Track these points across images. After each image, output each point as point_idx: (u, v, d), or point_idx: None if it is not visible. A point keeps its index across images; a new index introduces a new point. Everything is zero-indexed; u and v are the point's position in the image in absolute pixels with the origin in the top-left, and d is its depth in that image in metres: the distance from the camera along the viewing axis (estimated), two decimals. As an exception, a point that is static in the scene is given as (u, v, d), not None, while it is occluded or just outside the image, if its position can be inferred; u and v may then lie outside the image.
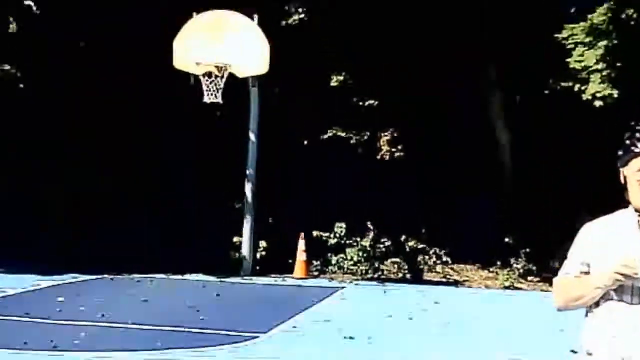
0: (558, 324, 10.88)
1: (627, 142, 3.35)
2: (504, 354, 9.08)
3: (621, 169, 3.38)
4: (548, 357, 9.14)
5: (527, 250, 15.44)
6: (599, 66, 14.08)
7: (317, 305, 12.05)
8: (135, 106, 16.22)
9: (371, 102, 16.72)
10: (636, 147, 3.29)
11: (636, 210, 3.33)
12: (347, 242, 15.90)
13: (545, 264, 15.40)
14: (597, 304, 3.32)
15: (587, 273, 3.39)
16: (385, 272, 15.87)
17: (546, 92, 15.22)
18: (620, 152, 3.39)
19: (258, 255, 15.73)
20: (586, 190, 15.70)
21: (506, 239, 15.71)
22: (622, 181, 3.38)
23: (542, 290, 14.98)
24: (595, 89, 14.01)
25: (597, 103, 14.03)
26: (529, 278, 15.56)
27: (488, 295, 14.26)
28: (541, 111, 15.83)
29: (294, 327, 10.24)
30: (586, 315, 3.39)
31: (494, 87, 16.47)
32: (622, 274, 3.17)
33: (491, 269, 15.99)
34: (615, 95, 13.86)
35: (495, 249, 15.69)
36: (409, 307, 12.04)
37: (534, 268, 15.41)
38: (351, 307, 12.26)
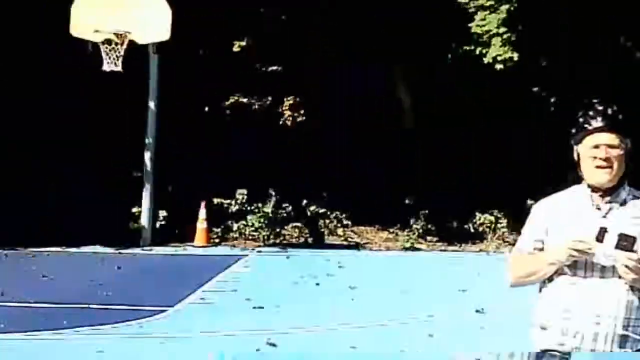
0: (459, 284, 11.25)
1: (581, 119, 3.39)
2: (410, 314, 9.23)
3: (575, 147, 3.41)
4: (454, 316, 9.31)
5: (426, 211, 15.69)
6: (500, 30, 14.31)
7: (222, 275, 11.95)
8: (28, 74, 15.54)
9: (274, 68, 16.57)
10: (589, 124, 3.33)
11: (589, 187, 3.37)
12: (249, 208, 15.82)
13: (443, 224, 15.77)
14: (550, 280, 3.36)
15: (541, 249, 3.43)
16: (287, 237, 15.91)
17: (449, 55, 15.37)
18: (573, 130, 3.42)
19: (158, 225, 15.47)
20: (484, 152, 16.11)
21: (406, 201, 15.92)
22: (576, 158, 3.42)
23: (441, 250, 15.36)
24: (497, 52, 14.28)
25: (498, 66, 14.31)
26: (428, 238, 15.86)
27: (390, 257, 14.47)
28: (444, 75, 16.00)
29: (202, 298, 10.14)
30: (540, 290, 3.43)
31: (397, 53, 16.51)
32: (576, 250, 3.21)
33: (391, 230, 16.21)
34: (516, 59, 14.13)
35: (394, 210, 15.89)
36: (314, 272, 12.07)
37: (433, 228, 15.69)
38: (256, 275, 12.24)
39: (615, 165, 3.28)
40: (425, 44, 15.93)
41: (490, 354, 4.67)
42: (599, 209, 3.34)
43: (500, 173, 16.08)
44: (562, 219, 3.39)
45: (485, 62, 14.53)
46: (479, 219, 16.03)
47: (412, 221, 15.81)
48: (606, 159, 3.27)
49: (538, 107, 16.51)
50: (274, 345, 7.84)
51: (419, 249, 15.34)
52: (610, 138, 3.28)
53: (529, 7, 14.17)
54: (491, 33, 14.41)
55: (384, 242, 15.99)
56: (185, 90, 16.33)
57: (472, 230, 15.97)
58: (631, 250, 3.12)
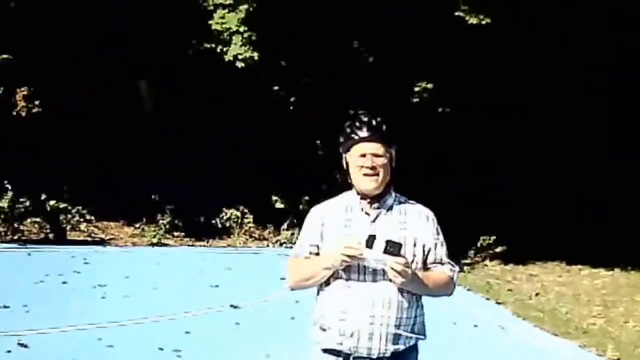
0: (211, 280, 11.28)
1: (348, 130, 3.56)
2: (165, 311, 9.11)
3: (344, 155, 3.56)
4: (210, 311, 9.32)
5: (173, 206, 15.53)
6: (241, 29, 14.47)
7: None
8: None
9: (5, 56, 15.60)
10: (356, 134, 3.52)
11: (358, 193, 3.51)
12: (-18, 203, 14.77)
13: (190, 219, 15.71)
14: (327, 283, 3.51)
15: (317, 254, 3.53)
16: (25, 233, 15.04)
17: (190, 52, 15.28)
18: (341, 139, 3.60)
19: None
20: (230, 149, 16.27)
21: (152, 196, 15.67)
22: (345, 166, 3.57)
23: (188, 245, 15.29)
24: (237, 51, 14.45)
25: (239, 64, 14.47)
26: (175, 233, 15.71)
27: (137, 253, 14.16)
28: (186, 71, 15.90)
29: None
30: (318, 293, 3.54)
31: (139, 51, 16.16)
32: (347, 256, 3.32)
33: (137, 225, 15.87)
34: (256, 58, 14.36)
35: (140, 205, 15.59)
36: (59, 269, 11.51)
37: (180, 223, 15.56)
38: (-4, 273, 11.41)
39: (381, 173, 3.50)
40: (166, 41, 15.79)
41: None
42: (368, 214, 3.52)
43: (246, 169, 16.34)
44: (335, 224, 3.57)
45: (227, 60, 14.64)
46: (226, 214, 16.14)
47: (158, 216, 15.57)
48: (372, 167, 3.47)
49: (279, 106, 16.91)
50: (25, 346, 7.42)
51: (166, 245, 15.15)
52: (376, 147, 3.49)
53: (268, 7, 14.41)
54: (231, 31, 14.53)
55: (130, 237, 15.62)
56: None
57: (219, 226, 16.03)
58: (398, 255, 3.30)
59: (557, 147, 16.27)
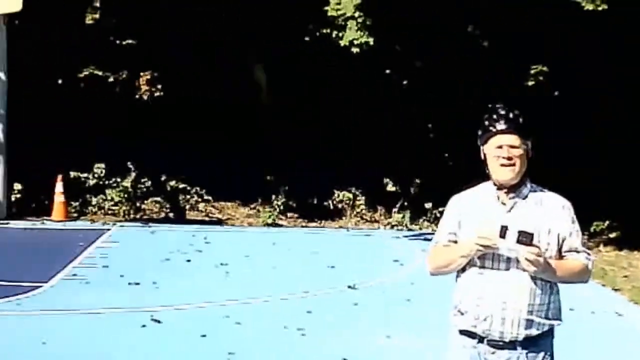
0: (326, 260, 11.57)
1: (486, 122, 3.71)
2: (286, 290, 9.46)
3: (481, 147, 3.74)
4: (329, 292, 9.63)
5: (286, 187, 15.93)
6: (356, 14, 14.60)
7: (89, 250, 11.73)
8: None
9: (130, 41, 16.28)
10: (494, 127, 3.66)
11: (494, 184, 3.69)
12: (107, 182, 15.54)
13: (304, 200, 16.08)
14: (464, 270, 3.71)
15: (455, 242, 3.75)
16: (147, 212, 15.75)
17: (306, 38, 15.54)
18: (480, 132, 3.76)
19: (13, 198, 14.93)
20: (342, 132, 16.51)
21: (267, 177, 16.07)
22: (483, 158, 3.75)
23: (302, 226, 15.66)
24: (353, 36, 14.57)
25: (354, 50, 14.61)
26: (289, 214, 16.12)
27: (254, 233, 14.63)
28: (301, 57, 16.18)
29: (74, 275, 9.94)
30: (456, 279, 3.76)
31: (253, 35, 16.52)
32: (482, 245, 3.52)
33: (252, 206, 16.36)
34: (372, 43, 14.49)
35: (255, 186, 16.05)
36: (182, 248, 12.10)
37: (294, 205, 15.95)
38: (124, 251, 12.06)
39: (517, 164, 3.62)
40: (282, 27, 16.09)
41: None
42: (504, 204, 3.68)
43: (358, 152, 16.57)
44: (472, 214, 3.73)
45: (342, 45, 14.81)
46: (338, 196, 16.44)
47: (272, 197, 16.00)
48: (509, 158, 3.60)
49: (391, 91, 17.04)
50: (158, 321, 7.87)
51: (280, 225, 15.58)
52: (512, 139, 3.61)
53: None
54: (346, 16, 14.66)
55: (246, 217, 16.14)
56: (37, 62, 15.80)
57: (331, 207, 16.35)
58: (531, 244, 3.46)
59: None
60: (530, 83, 15.32)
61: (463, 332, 3.72)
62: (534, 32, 14.43)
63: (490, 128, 3.67)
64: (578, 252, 3.70)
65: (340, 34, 14.85)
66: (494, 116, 3.67)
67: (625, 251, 13.87)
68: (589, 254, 3.75)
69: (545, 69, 15.19)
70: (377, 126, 16.77)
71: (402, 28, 15.40)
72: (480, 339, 3.65)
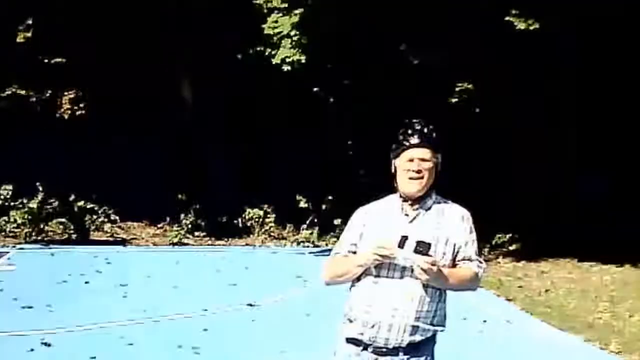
0: (230, 279, 11.60)
1: (400, 137, 3.83)
2: (183, 309, 9.43)
3: (393, 160, 3.85)
4: (228, 310, 9.64)
5: (197, 206, 15.87)
6: (292, 32, 14.68)
7: (-17, 274, 11.45)
8: None
9: (57, 60, 16.00)
10: (407, 141, 3.78)
11: (401, 196, 3.82)
12: (13, 204, 15.22)
13: (212, 218, 16.04)
14: (359, 279, 3.79)
15: (355, 252, 3.85)
16: (49, 233, 15.47)
17: (239, 56, 15.56)
18: (393, 146, 3.86)
19: None
20: (260, 149, 16.55)
21: (179, 196, 15.94)
22: (393, 171, 3.86)
23: (208, 244, 15.64)
24: (286, 54, 14.67)
25: (286, 67, 14.70)
26: (196, 233, 16.06)
27: (157, 253, 14.54)
28: (233, 74, 16.16)
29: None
30: (350, 288, 3.85)
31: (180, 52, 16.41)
32: (380, 255, 3.63)
33: (159, 226, 16.27)
34: (303, 61, 14.60)
35: (165, 206, 15.94)
36: (82, 269, 11.90)
37: (203, 223, 15.91)
38: (21, 273, 11.77)
39: (425, 176, 3.75)
40: (214, 43, 16.08)
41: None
42: (407, 215, 3.79)
43: (277, 169, 16.67)
44: (375, 225, 3.83)
45: (274, 62, 14.88)
46: (249, 214, 16.47)
47: (182, 216, 15.92)
48: (418, 171, 3.73)
49: (321, 110, 17.17)
50: (48, 345, 7.74)
51: (186, 244, 15.52)
52: (424, 152, 3.75)
53: (322, 10, 14.54)
54: (282, 34, 14.75)
55: (152, 237, 16.02)
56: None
57: (240, 225, 16.37)
58: (427, 254, 3.58)
59: (559, 148, 16.44)
60: (454, 100, 15.60)
61: (349, 340, 3.79)
62: (463, 50, 14.72)
63: (404, 142, 3.78)
64: (471, 260, 3.82)
65: (274, 52, 14.93)
66: (409, 131, 3.79)
67: (522, 262, 14.31)
68: (480, 262, 3.88)
69: (470, 86, 15.49)
70: (297, 139, 16.86)
71: (335, 47, 15.55)
72: (365, 347, 3.73)
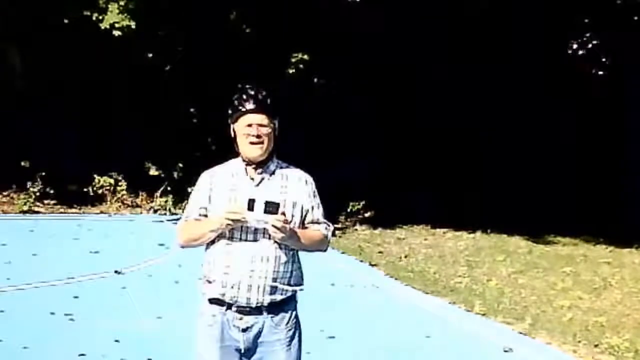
0: (90, 246, 11.33)
1: (236, 102, 3.94)
2: (50, 277, 9.19)
3: (232, 125, 3.95)
4: (94, 277, 9.46)
5: (44, 173, 15.29)
6: None
7: None
8: None
9: None
10: (243, 106, 3.88)
11: (244, 160, 3.89)
12: None
13: (62, 187, 15.50)
14: (213, 242, 3.90)
15: (206, 216, 3.94)
16: None
17: (66, 21, 14.94)
18: (230, 111, 3.96)
19: None
20: (103, 118, 16.09)
21: (22, 163, 15.33)
22: (233, 135, 3.96)
23: (61, 212, 15.14)
24: (114, 19, 14.27)
25: (116, 33, 14.31)
26: (46, 201, 15.51)
27: (8, 221, 13.93)
28: (59, 39, 15.49)
29: None
30: (205, 250, 3.94)
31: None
32: (231, 219, 3.75)
33: (5, 193, 15.58)
34: (133, 27, 14.26)
35: (10, 173, 15.26)
36: None
37: (52, 191, 15.35)
38: None
39: (265, 142, 3.88)
40: (38, 7, 15.35)
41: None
42: (252, 179, 3.92)
43: (119, 137, 16.26)
44: (222, 188, 3.94)
45: (102, 28, 14.45)
46: (99, 182, 16.04)
47: (29, 184, 15.30)
48: (258, 136, 3.85)
49: (155, 75, 16.82)
50: None
51: (38, 212, 14.95)
52: (261, 118, 3.87)
53: None
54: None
55: (0, 205, 15.31)
56: None
57: (91, 193, 15.92)
58: (277, 213, 3.72)
59: (421, 114, 17.05)
60: (291, 71, 15.76)
61: (212, 301, 3.88)
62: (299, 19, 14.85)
63: (240, 107, 3.88)
64: (319, 223, 4.01)
65: (101, 17, 14.48)
66: (244, 96, 3.89)
67: (379, 229, 14.74)
68: (328, 224, 4.08)
69: (306, 57, 15.69)
70: (140, 110, 16.50)
71: (165, 12, 15.26)
72: (229, 306, 3.83)
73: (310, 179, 4.02)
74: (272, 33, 15.37)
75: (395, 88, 17.10)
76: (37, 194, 15.33)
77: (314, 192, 4.00)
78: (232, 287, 3.78)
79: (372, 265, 11.45)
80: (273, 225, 3.69)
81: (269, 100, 3.89)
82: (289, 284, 3.88)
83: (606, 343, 7.80)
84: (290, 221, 3.82)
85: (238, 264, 3.78)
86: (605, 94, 18.01)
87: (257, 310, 3.83)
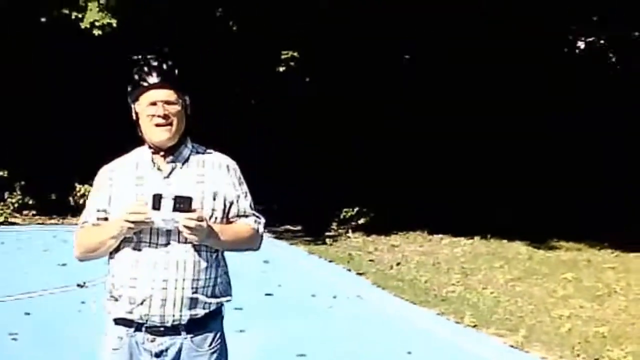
0: (59, 259, 10.67)
1: (136, 77, 3.19)
2: (1, 292, 8.55)
3: (132, 105, 3.21)
4: (54, 291, 8.91)
5: (23, 183, 14.71)
6: None
7: None
8: None
9: None
10: (145, 81, 3.15)
11: (150, 147, 3.15)
12: None
13: (42, 197, 14.95)
14: (118, 249, 3.17)
15: (106, 219, 3.16)
16: None
17: (43, 19, 14.35)
18: (129, 88, 3.22)
19: None
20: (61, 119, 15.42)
21: (0, 173, 14.77)
22: (135, 118, 3.23)
23: (38, 223, 14.57)
24: (94, 17, 13.70)
25: (96, 32, 13.72)
26: (25, 212, 14.94)
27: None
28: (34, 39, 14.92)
29: None
30: (109, 261, 3.17)
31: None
32: (132, 221, 3.01)
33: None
34: (115, 25, 13.67)
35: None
36: None
37: (31, 202, 14.77)
38: None
39: (174, 122, 3.15)
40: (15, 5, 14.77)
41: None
42: (160, 169, 3.19)
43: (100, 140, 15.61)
44: (124, 184, 3.20)
45: (83, 26, 13.86)
46: (80, 190, 15.38)
47: (7, 194, 14.72)
48: (165, 116, 3.12)
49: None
50: None
51: (14, 223, 14.34)
52: (168, 94, 3.15)
53: None
54: None
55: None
56: None
57: (72, 204, 15.27)
58: (189, 210, 2.99)
59: (413, 122, 16.44)
60: (282, 68, 15.17)
61: (118, 322, 3.18)
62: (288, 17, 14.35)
63: (142, 82, 3.15)
64: (247, 215, 3.29)
65: (81, 15, 13.89)
66: (145, 69, 3.16)
67: (372, 236, 14.03)
68: (258, 217, 3.35)
69: (296, 54, 15.10)
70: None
71: (147, 10, 14.66)
72: (138, 326, 3.14)
73: (233, 164, 3.30)
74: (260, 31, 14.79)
75: (395, 88, 16.48)
76: (16, 205, 14.77)
77: (239, 179, 3.29)
78: (141, 304, 3.07)
79: (360, 274, 10.71)
80: (185, 226, 2.96)
81: (176, 72, 3.17)
82: (212, 295, 3.16)
83: (607, 356, 7.07)
84: (211, 216, 3.11)
85: (147, 275, 3.06)
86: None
87: (174, 330, 3.12)
